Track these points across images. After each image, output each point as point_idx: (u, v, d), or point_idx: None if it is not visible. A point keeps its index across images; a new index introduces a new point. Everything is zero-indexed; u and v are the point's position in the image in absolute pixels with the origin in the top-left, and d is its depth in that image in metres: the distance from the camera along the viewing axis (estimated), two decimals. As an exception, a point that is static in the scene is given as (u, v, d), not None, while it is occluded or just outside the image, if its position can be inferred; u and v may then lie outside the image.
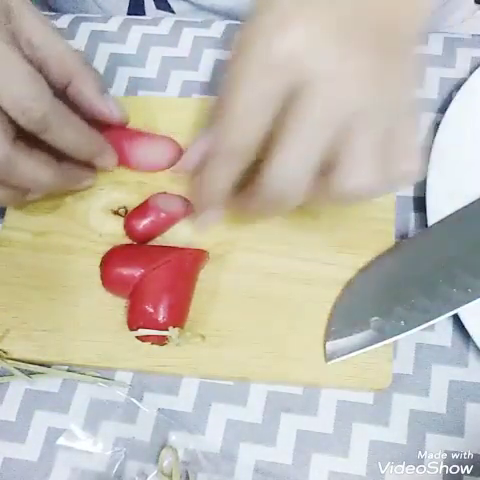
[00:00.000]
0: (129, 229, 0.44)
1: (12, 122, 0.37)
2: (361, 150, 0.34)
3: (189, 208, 0.44)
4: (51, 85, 0.41)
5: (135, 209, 0.45)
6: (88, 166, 0.44)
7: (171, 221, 0.44)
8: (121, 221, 0.45)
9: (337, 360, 0.40)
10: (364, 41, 0.34)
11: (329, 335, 0.41)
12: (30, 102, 0.37)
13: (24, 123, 0.37)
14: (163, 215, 0.44)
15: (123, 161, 0.45)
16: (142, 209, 0.44)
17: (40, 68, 0.41)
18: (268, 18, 0.34)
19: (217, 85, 0.50)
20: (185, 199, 0.45)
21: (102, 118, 0.43)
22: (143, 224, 0.44)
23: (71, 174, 0.43)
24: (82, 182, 0.45)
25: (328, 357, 0.40)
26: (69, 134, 0.39)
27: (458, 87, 0.47)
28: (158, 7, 0.60)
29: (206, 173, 0.38)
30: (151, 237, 0.44)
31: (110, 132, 0.44)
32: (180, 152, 0.46)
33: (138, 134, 0.46)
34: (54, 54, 0.41)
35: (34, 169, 0.40)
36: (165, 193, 0.45)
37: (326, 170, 0.35)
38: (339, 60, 0.33)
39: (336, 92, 0.33)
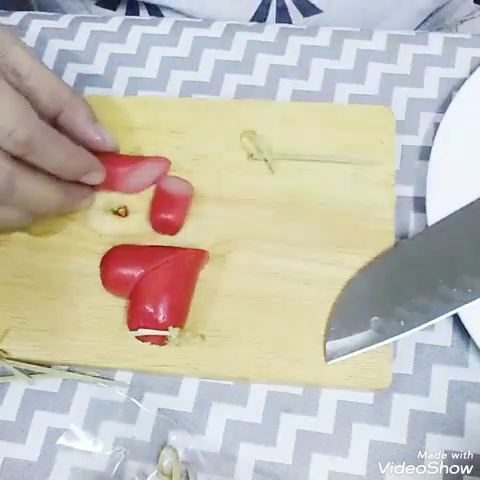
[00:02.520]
0: (158, 224, 0.44)
1: None
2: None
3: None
4: (41, 113, 0.41)
5: (154, 203, 0.45)
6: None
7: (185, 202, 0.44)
8: (121, 221, 0.45)
9: (337, 360, 0.40)
10: None
11: (329, 335, 0.41)
12: (15, 124, 0.36)
13: (10, 146, 0.37)
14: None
15: (112, 187, 0.45)
16: (162, 201, 0.44)
17: (28, 97, 0.40)
18: None
19: (217, 85, 0.50)
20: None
21: (94, 146, 0.43)
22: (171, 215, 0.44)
23: (73, 192, 0.42)
24: (82, 201, 0.44)
25: (328, 357, 0.40)
26: (56, 154, 0.39)
27: (458, 87, 0.47)
28: None
29: None
30: (179, 225, 0.44)
31: (99, 158, 0.44)
32: (167, 168, 0.46)
33: (126, 160, 0.45)
34: (43, 85, 0.41)
35: (40, 187, 0.39)
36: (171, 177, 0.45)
37: None
38: None
39: None
